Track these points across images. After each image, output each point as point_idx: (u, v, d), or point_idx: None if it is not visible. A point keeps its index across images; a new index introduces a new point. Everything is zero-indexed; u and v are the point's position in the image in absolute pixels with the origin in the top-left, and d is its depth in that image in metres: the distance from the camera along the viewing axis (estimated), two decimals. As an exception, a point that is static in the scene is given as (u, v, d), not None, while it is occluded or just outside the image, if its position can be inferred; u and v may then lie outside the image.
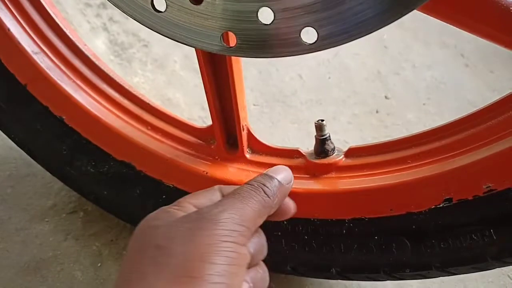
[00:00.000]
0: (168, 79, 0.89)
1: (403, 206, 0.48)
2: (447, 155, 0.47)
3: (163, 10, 0.41)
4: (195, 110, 0.85)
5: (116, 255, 0.67)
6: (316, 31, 0.38)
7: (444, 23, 0.41)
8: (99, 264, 0.66)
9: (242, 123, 0.54)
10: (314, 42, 0.39)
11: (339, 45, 0.39)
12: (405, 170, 0.49)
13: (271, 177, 0.45)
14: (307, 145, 0.80)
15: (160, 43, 0.91)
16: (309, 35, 0.39)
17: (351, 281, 0.62)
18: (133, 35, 0.93)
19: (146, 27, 0.44)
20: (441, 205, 0.46)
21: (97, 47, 0.90)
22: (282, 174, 0.46)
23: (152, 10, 0.42)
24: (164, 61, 0.91)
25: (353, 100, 0.89)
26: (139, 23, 0.44)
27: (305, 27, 0.38)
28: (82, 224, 0.70)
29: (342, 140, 0.82)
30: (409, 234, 0.49)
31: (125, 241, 0.68)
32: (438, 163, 0.48)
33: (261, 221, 0.42)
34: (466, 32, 0.42)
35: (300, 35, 0.39)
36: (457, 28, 0.42)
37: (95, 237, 0.69)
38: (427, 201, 0.47)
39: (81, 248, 0.67)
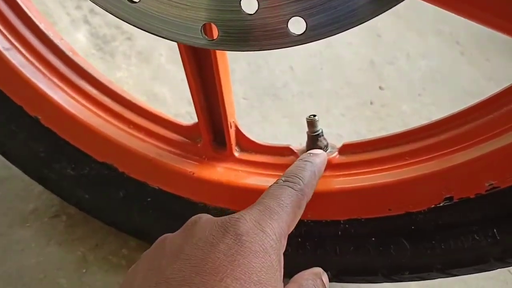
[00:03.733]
0: (153, 73, 0.86)
1: (401, 205, 0.46)
2: (447, 150, 0.45)
3: (137, 0, 0.38)
4: (183, 105, 0.81)
5: (102, 261, 0.64)
6: (305, 21, 0.35)
7: (439, 10, 0.38)
8: (84, 270, 0.63)
9: (230, 119, 0.51)
10: (303, 33, 0.35)
11: (329, 36, 0.36)
12: (402, 167, 0.47)
13: (303, 167, 0.44)
14: (300, 140, 0.76)
15: (144, 36, 0.87)
16: (297, 25, 0.36)
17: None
18: (115, 27, 0.89)
19: (121, 19, 0.41)
20: (441, 204, 0.44)
21: (77, 40, 0.86)
22: (316, 159, 0.46)
23: (126, 1, 0.38)
24: (149, 55, 0.88)
25: (346, 92, 0.86)
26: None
27: (292, 16, 0.35)
28: (65, 229, 0.67)
29: (335, 133, 0.79)
30: (408, 234, 0.47)
31: (111, 246, 0.65)
32: (437, 160, 0.45)
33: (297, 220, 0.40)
34: (461, 19, 0.39)
35: (287, 26, 0.36)
36: (453, 15, 0.38)
37: (79, 241, 0.65)
38: (427, 200, 0.45)
39: (65, 254, 0.64)
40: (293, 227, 0.40)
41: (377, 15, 0.34)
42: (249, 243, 0.33)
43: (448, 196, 0.43)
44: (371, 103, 0.84)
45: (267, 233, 0.35)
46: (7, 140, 0.58)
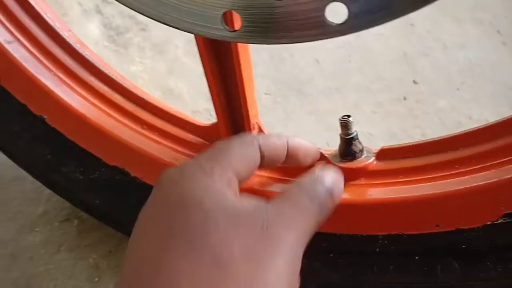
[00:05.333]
0: (169, 67, 0.81)
1: (451, 221, 0.40)
2: (505, 159, 0.38)
3: (147, -14, 0.33)
4: (201, 102, 0.76)
5: (115, 268, 0.60)
6: (347, 7, 0.29)
7: None
8: (96, 279, 0.59)
9: (252, 121, 0.46)
10: (344, 22, 0.29)
11: (375, 26, 0.30)
12: (452, 177, 0.41)
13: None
14: (326, 139, 0.71)
15: (160, 26, 0.82)
16: (336, 13, 0.30)
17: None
18: (129, 17, 0.84)
19: (130, 8, 0.36)
20: (498, 221, 0.38)
21: (90, 32, 0.82)
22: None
23: (135, -14, 0.33)
24: (164, 47, 0.83)
25: (377, 87, 0.79)
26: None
27: (331, 2, 0.29)
28: (77, 234, 0.63)
29: (365, 132, 0.73)
30: (458, 254, 0.41)
31: (125, 253, 0.61)
32: (494, 169, 0.39)
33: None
34: (502, 6, 0.32)
35: (324, 14, 0.30)
36: (493, 2, 0.32)
37: (91, 248, 0.62)
38: (481, 215, 0.39)
39: (76, 261, 0.61)
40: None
41: (432, 2, 0.28)
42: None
43: (507, 212, 0.37)
44: (405, 98, 0.77)
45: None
46: (10, 141, 0.54)
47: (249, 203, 0.33)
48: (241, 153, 0.36)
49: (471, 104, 0.77)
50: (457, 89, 0.79)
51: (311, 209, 0.35)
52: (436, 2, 0.28)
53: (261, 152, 0.37)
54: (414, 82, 0.80)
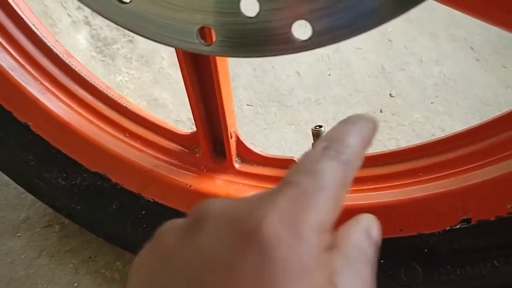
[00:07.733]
0: (154, 77, 0.83)
1: (414, 226, 0.42)
2: (465, 167, 0.41)
3: (128, 1, 0.35)
4: (184, 111, 0.78)
5: (95, 274, 0.61)
6: (311, 25, 0.31)
7: (453, 14, 0.34)
8: (75, 284, 0.60)
9: (230, 129, 0.48)
10: (308, 39, 0.32)
11: (338, 42, 0.32)
12: (415, 184, 0.43)
13: (349, 132, 0.29)
14: (305, 149, 0.73)
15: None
16: (302, 30, 0.32)
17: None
18: (117, 29, 0.86)
19: (112, 21, 0.38)
20: (457, 226, 0.40)
21: (78, 42, 0.83)
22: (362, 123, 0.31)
23: (116, 1, 0.35)
24: (150, 58, 0.85)
25: (355, 99, 0.82)
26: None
27: (297, 20, 0.32)
28: (58, 240, 0.64)
29: (343, 143, 0.75)
30: (420, 258, 0.43)
31: (105, 258, 0.62)
32: (454, 177, 0.41)
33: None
34: (476, 24, 0.35)
35: (291, 30, 0.32)
36: (467, 20, 0.34)
37: (71, 253, 0.63)
38: (442, 221, 0.41)
39: (56, 266, 0.62)
40: (337, 216, 0.27)
41: (394, 18, 0.31)
42: (282, 263, 0.22)
43: (465, 217, 0.40)
44: (381, 111, 0.80)
45: (304, 238, 0.23)
46: (-5, 147, 0.56)
47: None
48: (338, 205, 0.26)
49: (444, 117, 0.80)
50: (432, 102, 0.82)
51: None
52: (414, 19, 0.30)
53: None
54: (391, 95, 0.83)
